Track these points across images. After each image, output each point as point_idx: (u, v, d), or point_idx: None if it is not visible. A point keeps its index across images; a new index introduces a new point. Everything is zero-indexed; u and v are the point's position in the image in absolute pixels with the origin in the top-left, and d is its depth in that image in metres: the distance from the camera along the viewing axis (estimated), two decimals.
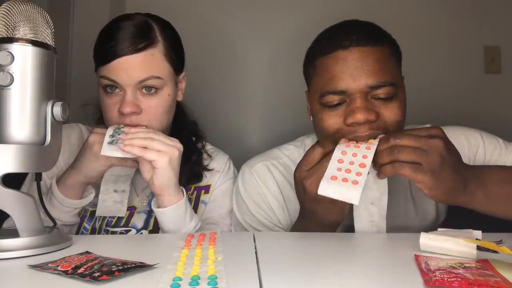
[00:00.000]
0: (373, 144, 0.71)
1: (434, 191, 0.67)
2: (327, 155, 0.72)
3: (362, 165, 0.68)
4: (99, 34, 0.89)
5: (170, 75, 0.89)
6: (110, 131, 0.81)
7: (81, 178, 0.83)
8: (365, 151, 0.70)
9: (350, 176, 0.67)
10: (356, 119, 0.75)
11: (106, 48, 0.84)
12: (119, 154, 0.78)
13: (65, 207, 0.83)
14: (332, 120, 0.79)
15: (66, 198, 0.83)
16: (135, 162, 0.84)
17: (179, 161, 0.81)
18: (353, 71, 0.77)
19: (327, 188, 0.67)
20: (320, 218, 0.74)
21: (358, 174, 0.67)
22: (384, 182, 0.75)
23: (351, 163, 0.69)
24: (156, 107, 0.87)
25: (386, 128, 0.77)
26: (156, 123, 0.88)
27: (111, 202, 0.90)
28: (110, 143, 0.78)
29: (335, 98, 0.79)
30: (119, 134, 0.79)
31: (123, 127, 0.82)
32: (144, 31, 0.86)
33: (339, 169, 0.68)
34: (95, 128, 0.84)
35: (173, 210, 0.81)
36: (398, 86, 0.79)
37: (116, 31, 0.85)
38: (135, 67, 0.83)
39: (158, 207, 0.82)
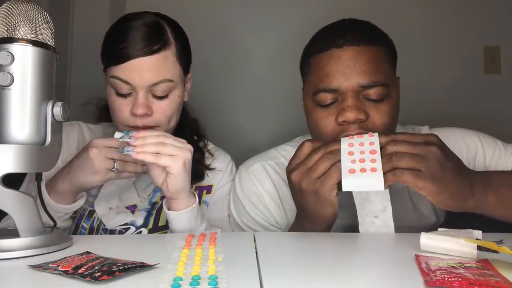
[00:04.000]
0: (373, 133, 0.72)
1: (438, 197, 0.66)
2: (316, 149, 0.72)
3: (373, 152, 0.69)
4: (108, 33, 0.88)
5: (180, 76, 0.89)
6: (117, 139, 0.77)
7: (74, 188, 0.81)
8: (369, 138, 0.71)
9: (366, 165, 0.67)
10: (347, 117, 0.76)
11: (118, 49, 0.82)
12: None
13: (56, 213, 0.81)
14: (325, 121, 0.80)
15: (57, 204, 0.81)
16: (131, 173, 0.83)
17: (191, 163, 0.79)
18: (345, 69, 0.77)
19: (349, 183, 0.67)
20: (311, 212, 0.74)
21: (373, 160, 0.68)
22: (386, 193, 0.74)
23: (362, 152, 0.69)
24: (167, 109, 0.87)
25: (375, 130, 0.77)
26: (166, 124, 0.88)
27: (113, 215, 0.90)
28: (120, 152, 0.75)
29: (327, 97, 0.79)
30: (129, 138, 0.76)
31: (127, 133, 0.78)
32: (157, 32, 0.85)
33: (353, 161, 0.69)
34: (94, 140, 0.79)
35: (186, 214, 0.80)
36: (390, 86, 0.79)
37: (128, 31, 0.84)
38: (148, 69, 0.83)
39: (169, 209, 0.81)
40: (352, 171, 0.67)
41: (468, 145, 0.91)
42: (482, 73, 1.80)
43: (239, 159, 1.04)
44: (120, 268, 0.48)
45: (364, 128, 0.77)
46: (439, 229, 0.64)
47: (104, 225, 0.92)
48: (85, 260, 0.52)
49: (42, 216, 0.65)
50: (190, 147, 0.79)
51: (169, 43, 0.86)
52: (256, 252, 0.59)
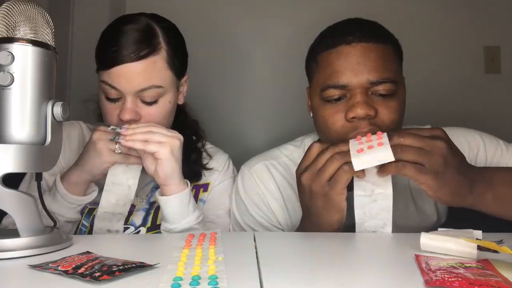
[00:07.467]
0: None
1: (438, 193, 0.67)
2: (324, 150, 0.72)
3: (380, 135, 0.69)
4: (102, 35, 0.88)
5: (171, 82, 0.89)
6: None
7: (85, 175, 0.84)
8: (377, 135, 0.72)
9: (373, 143, 0.68)
10: (357, 113, 0.76)
11: (108, 53, 0.83)
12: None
13: (69, 203, 0.84)
14: (334, 117, 0.79)
15: (70, 194, 0.84)
16: (138, 158, 0.84)
17: (181, 150, 0.82)
18: (355, 66, 0.77)
19: (360, 161, 0.67)
20: (318, 217, 0.73)
21: (380, 138, 0.69)
22: (388, 210, 0.73)
23: (369, 141, 0.70)
24: (156, 114, 0.87)
25: (383, 126, 0.77)
26: None
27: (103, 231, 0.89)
28: (112, 139, 0.80)
29: (335, 93, 0.79)
30: (121, 129, 0.80)
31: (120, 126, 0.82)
32: (147, 37, 0.84)
33: (360, 143, 0.69)
34: (98, 126, 0.84)
35: (177, 198, 0.81)
36: (398, 84, 0.80)
37: (119, 35, 0.83)
38: (136, 75, 0.82)
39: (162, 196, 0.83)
40: (360, 150, 0.68)
41: (470, 144, 0.91)
42: (483, 73, 1.80)
43: (238, 160, 1.04)
44: (120, 268, 0.48)
45: (373, 124, 0.76)
46: (439, 229, 0.64)
47: None
48: (85, 260, 0.52)
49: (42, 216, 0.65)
50: (179, 136, 0.82)
51: (159, 48, 0.85)
52: (256, 252, 0.59)
